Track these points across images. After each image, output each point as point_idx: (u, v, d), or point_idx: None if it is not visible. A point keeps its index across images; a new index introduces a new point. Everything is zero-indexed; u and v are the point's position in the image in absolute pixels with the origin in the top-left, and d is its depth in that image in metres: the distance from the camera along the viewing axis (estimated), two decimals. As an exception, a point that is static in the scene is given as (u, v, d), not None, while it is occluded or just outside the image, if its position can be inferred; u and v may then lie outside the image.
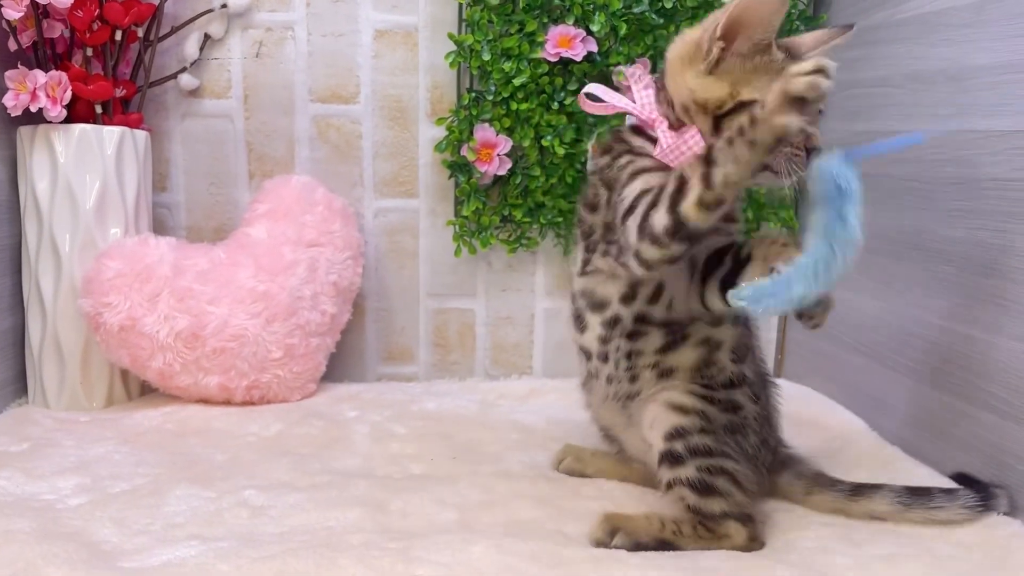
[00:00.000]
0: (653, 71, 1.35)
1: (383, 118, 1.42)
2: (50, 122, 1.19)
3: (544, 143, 1.36)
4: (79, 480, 0.96)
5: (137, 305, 1.18)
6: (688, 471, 0.85)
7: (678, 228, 0.76)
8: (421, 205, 1.45)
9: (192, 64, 1.36)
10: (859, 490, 0.92)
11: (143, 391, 1.32)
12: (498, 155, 1.35)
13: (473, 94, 1.37)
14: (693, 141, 0.84)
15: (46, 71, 1.16)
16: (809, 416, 1.23)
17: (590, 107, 0.94)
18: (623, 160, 0.88)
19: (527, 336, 1.51)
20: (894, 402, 1.16)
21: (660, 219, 0.77)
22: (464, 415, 1.27)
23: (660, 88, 0.90)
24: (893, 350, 1.17)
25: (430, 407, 1.30)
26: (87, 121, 1.22)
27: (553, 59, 1.32)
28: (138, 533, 0.83)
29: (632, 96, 0.90)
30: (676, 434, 0.87)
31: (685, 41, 0.87)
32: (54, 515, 0.86)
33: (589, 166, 0.98)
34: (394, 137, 1.43)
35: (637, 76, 0.91)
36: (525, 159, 1.39)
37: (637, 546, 0.83)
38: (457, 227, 1.43)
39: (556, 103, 1.36)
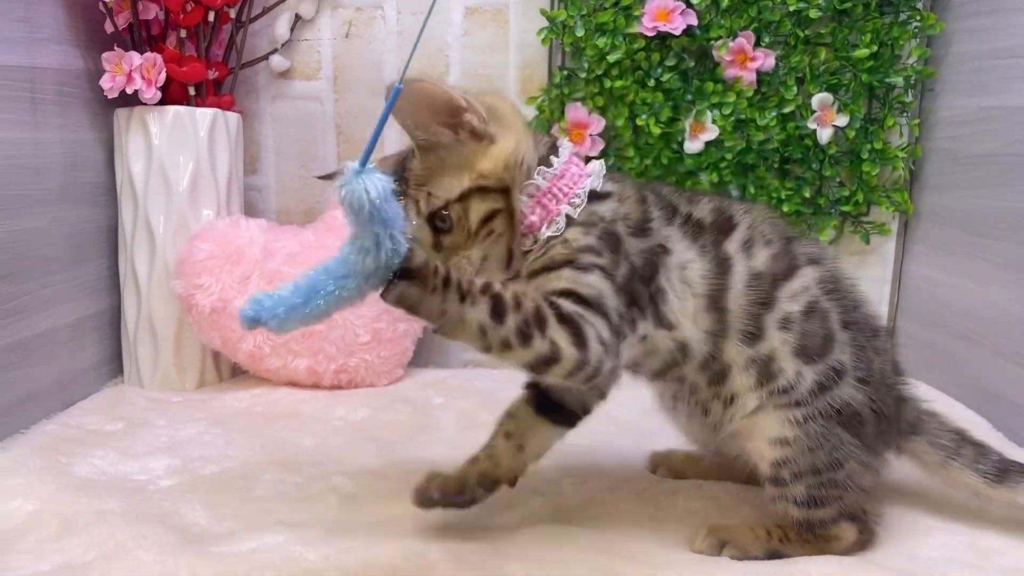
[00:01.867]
0: (757, 44, 1.28)
1: (472, 98, 1.39)
2: (145, 104, 1.20)
3: (639, 122, 1.30)
4: (170, 461, 0.96)
5: (228, 287, 1.18)
6: (796, 490, 0.78)
7: None
8: (510, 187, 1.41)
9: (283, 45, 1.35)
10: (1005, 475, 0.82)
11: (234, 373, 1.33)
12: (590, 135, 1.30)
13: (565, 72, 1.32)
14: None
15: (141, 53, 1.17)
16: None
17: None
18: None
19: (617, 324, 1.45)
20: (1021, 400, 1.06)
21: None
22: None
23: None
24: (1019, 342, 1.07)
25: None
26: (180, 103, 1.22)
27: (650, 34, 1.26)
28: (226, 517, 0.83)
29: None
30: (780, 464, 0.79)
31: None
32: (145, 496, 0.86)
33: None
34: (483, 118, 1.39)
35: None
36: (618, 139, 1.33)
37: (747, 558, 0.78)
38: (546, 210, 1.38)
39: (652, 80, 1.29)
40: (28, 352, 1.07)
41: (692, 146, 1.31)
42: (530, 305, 0.69)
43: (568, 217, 0.77)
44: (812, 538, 0.80)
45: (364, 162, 0.62)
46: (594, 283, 0.74)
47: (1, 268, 1.02)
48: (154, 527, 0.77)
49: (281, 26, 1.34)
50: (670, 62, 1.29)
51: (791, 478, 0.78)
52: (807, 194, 1.33)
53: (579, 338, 0.70)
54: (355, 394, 1.24)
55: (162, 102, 1.21)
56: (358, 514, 0.84)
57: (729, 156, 1.31)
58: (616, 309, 0.74)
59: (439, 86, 0.73)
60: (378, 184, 0.61)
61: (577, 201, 0.78)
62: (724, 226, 0.80)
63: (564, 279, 0.74)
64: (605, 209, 0.78)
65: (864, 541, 0.80)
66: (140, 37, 1.20)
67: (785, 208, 1.33)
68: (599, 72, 1.29)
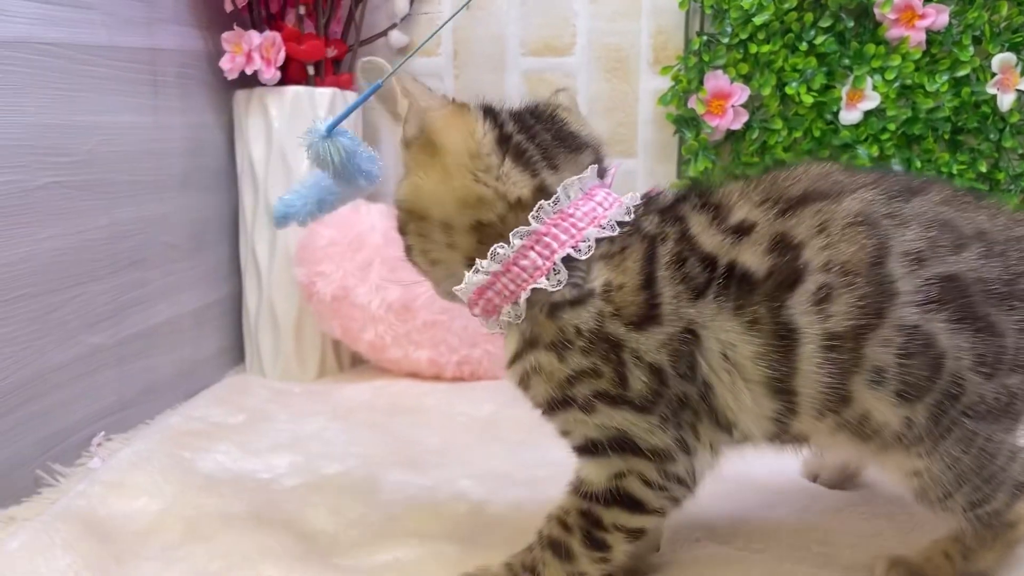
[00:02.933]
0: (927, 0, 1.13)
1: (599, 70, 1.29)
2: (264, 85, 1.16)
3: (788, 91, 1.18)
4: (293, 458, 0.92)
5: (349, 274, 1.14)
6: (952, 505, 0.64)
7: None
8: (639, 166, 1.32)
9: (402, 20, 1.29)
10: None
11: (353, 363, 1.29)
12: (732, 106, 1.19)
13: (704, 38, 1.20)
14: None
15: (260, 32, 1.13)
16: None
17: None
18: None
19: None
20: None
21: None
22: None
23: None
24: None
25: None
26: (299, 83, 1.18)
27: (803, -9, 1.13)
28: (353, 524, 0.77)
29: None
30: (922, 494, 0.64)
31: None
32: (269, 497, 0.82)
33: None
34: (611, 91, 1.30)
35: None
36: (764, 110, 1.21)
37: None
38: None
39: (804, 43, 1.17)
40: (152, 341, 1.05)
41: (849, 116, 1.17)
42: (573, 518, 0.63)
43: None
44: (991, 535, 0.66)
45: (331, 128, 0.64)
46: (606, 421, 0.60)
47: (128, 255, 1.00)
48: (280, 536, 0.72)
49: (400, 0, 1.28)
50: (825, 23, 1.16)
51: (941, 498, 0.63)
52: (983, 168, 1.18)
53: (635, 505, 0.61)
54: (477, 387, 1.18)
55: (281, 82, 1.17)
56: (492, 523, 0.78)
57: (892, 127, 1.17)
58: (650, 431, 0.60)
59: (397, 85, 0.64)
60: (343, 147, 0.65)
61: (516, 309, 0.61)
62: (786, 276, 0.58)
63: (572, 435, 0.64)
64: (583, 317, 0.60)
65: None
66: (259, 16, 1.16)
67: (958, 183, 1.18)
68: (743, 36, 1.17)
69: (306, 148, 0.65)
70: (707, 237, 0.60)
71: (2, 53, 0.80)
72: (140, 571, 0.68)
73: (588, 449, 0.63)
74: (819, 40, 1.16)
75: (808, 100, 1.17)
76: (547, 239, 0.60)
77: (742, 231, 0.60)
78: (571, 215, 0.61)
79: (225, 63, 1.13)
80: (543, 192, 0.61)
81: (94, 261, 0.94)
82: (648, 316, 0.59)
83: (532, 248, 0.60)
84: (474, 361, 1.18)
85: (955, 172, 1.18)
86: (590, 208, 0.62)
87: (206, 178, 1.18)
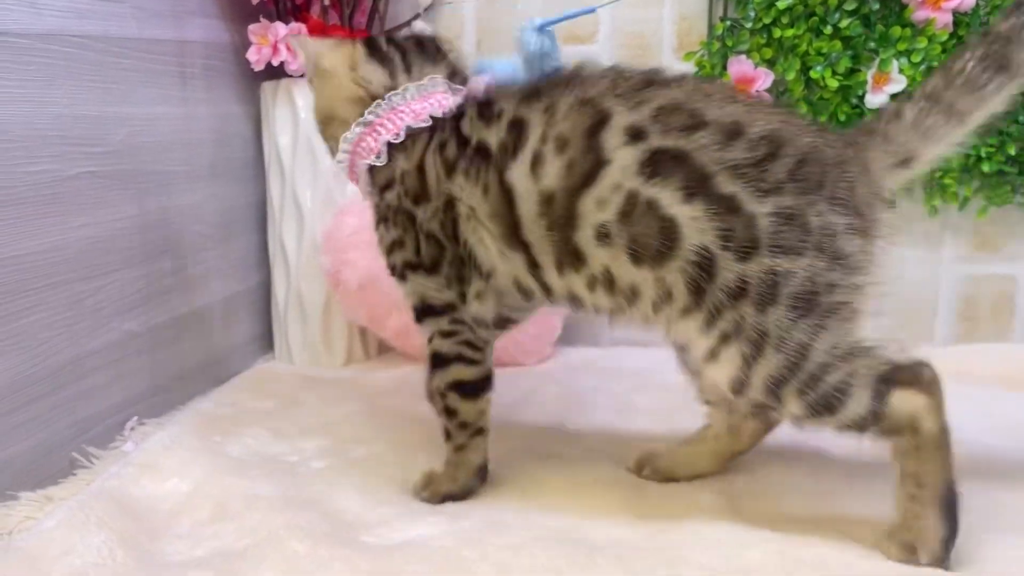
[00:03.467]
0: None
1: (624, 57, 1.29)
2: (291, 76, 1.17)
3: (813, 75, 1.17)
4: (321, 442, 0.93)
5: (375, 262, 1.15)
6: (793, 408, 0.66)
7: None
8: (664, 153, 1.31)
9: (426, 10, 1.30)
10: None
11: (380, 350, 1.30)
12: (756, 91, 1.18)
13: (728, 23, 1.20)
14: None
15: (286, 23, 1.14)
16: None
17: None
18: None
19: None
20: None
21: None
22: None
23: None
24: None
25: (674, 379, 1.17)
26: (325, 74, 1.19)
27: (827, -26, 1.12)
28: (379, 504, 0.79)
29: None
30: (738, 385, 0.67)
31: None
32: (296, 479, 0.83)
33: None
34: (635, 78, 1.29)
35: None
36: (788, 95, 1.20)
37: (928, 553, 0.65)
38: (705, 176, 1.27)
39: (829, 27, 1.16)
40: (183, 328, 1.08)
41: (875, 100, 1.16)
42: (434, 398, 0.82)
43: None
44: (896, 441, 0.65)
45: (544, 25, 0.88)
46: (415, 288, 0.79)
47: (159, 245, 1.02)
48: (307, 513, 0.73)
49: (424, -10, 1.29)
50: (850, 6, 1.15)
51: (768, 396, 0.65)
52: (1012, 151, 1.16)
53: (442, 360, 0.79)
54: (503, 375, 1.17)
55: (307, 74, 1.19)
56: (515, 503, 0.78)
57: (918, 110, 1.16)
58: (438, 290, 0.77)
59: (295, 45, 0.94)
60: (544, 44, 0.88)
61: (377, 157, 0.78)
62: (510, 148, 0.71)
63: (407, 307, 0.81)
64: (391, 196, 0.79)
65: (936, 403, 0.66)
66: (285, 7, 1.18)
67: (985, 168, 1.17)
68: (767, 21, 1.17)
69: (519, 31, 0.85)
70: (467, 124, 0.75)
71: (35, 46, 0.82)
72: (171, 547, 0.70)
73: (415, 318, 0.80)
74: (844, 23, 1.15)
75: (833, 84, 1.16)
76: (378, 128, 0.78)
77: (492, 117, 0.73)
78: (400, 110, 0.77)
79: (252, 54, 1.14)
80: (395, 92, 0.78)
81: (126, 249, 0.97)
82: (422, 193, 0.76)
83: (368, 135, 0.78)
84: (499, 348, 1.18)
85: (983, 155, 1.16)
86: (421, 107, 0.77)
87: (234, 168, 1.20)
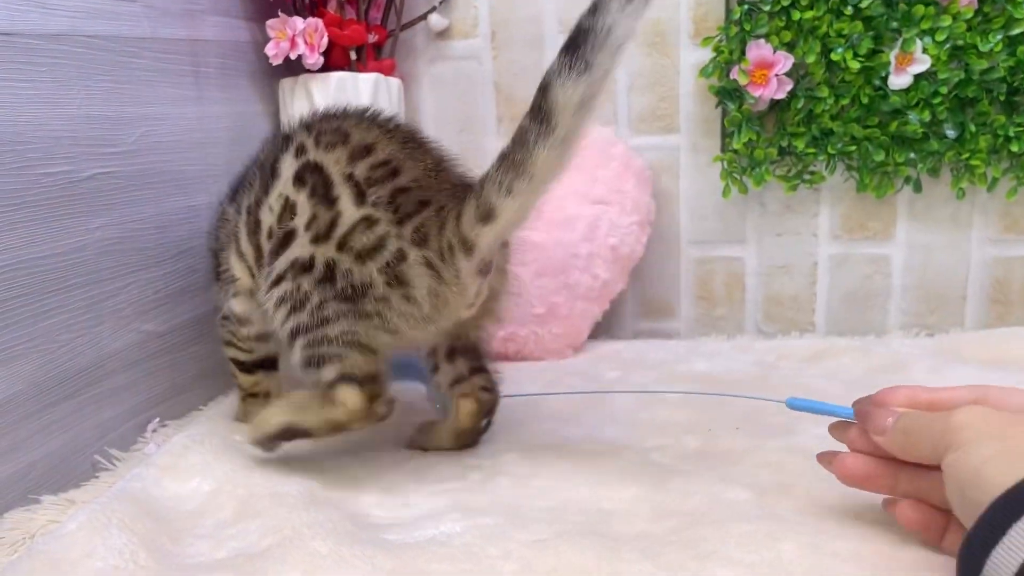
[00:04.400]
0: None
1: (639, 44, 1.27)
2: (308, 71, 1.17)
3: (833, 57, 1.15)
4: (345, 439, 0.92)
5: None
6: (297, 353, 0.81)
7: None
8: (682, 141, 1.29)
9: (441, 3, 1.29)
10: None
11: (401, 345, 1.30)
12: (776, 75, 1.16)
13: (746, 6, 1.18)
14: None
15: (303, 19, 1.14)
16: None
17: None
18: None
19: (808, 288, 1.31)
20: None
21: None
22: (740, 378, 1.11)
23: None
24: None
25: (699, 368, 1.16)
26: (342, 69, 1.19)
27: (847, -47, 1.10)
28: (403, 504, 0.78)
29: None
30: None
31: None
32: (320, 477, 0.83)
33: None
34: (652, 65, 1.28)
35: None
36: (809, 78, 1.18)
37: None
38: (725, 163, 1.25)
39: (849, 7, 1.13)
40: (203, 328, 1.07)
41: (898, 81, 1.14)
42: None
43: None
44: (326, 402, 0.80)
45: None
46: None
47: (176, 245, 1.02)
48: (330, 513, 0.73)
49: (438, -18, 1.28)
50: (872, -16, 1.12)
51: (288, 340, 0.81)
52: (1042, 130, 1.13)
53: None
54: (523, 367, 1.18)
55: (325, 69, 1.18)
56: (537, 498, 0.77)
57: (944, 90, 1.13)
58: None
59: None
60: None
61: None
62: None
63: None
64: None
65: (379, 412, 0.81)
66: (302, 2, 1.17)
67: (1014, 147, 1.14)
68: (786, 3, 1.14)
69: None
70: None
71: (47, 47, 0.82)
72: (194, 548, 0.69)
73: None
74: (865, 3, 1.12)
75: (855, 66, 1.14)
76: None
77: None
78: None
79: (270, 49, 1.14)
80: None
81: (145, 250, 0.96)
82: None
83: None
84: (520, 340, 1.18)
85: (1012, 135, 1.14)
86: None
87: (251, 167, 1.20)
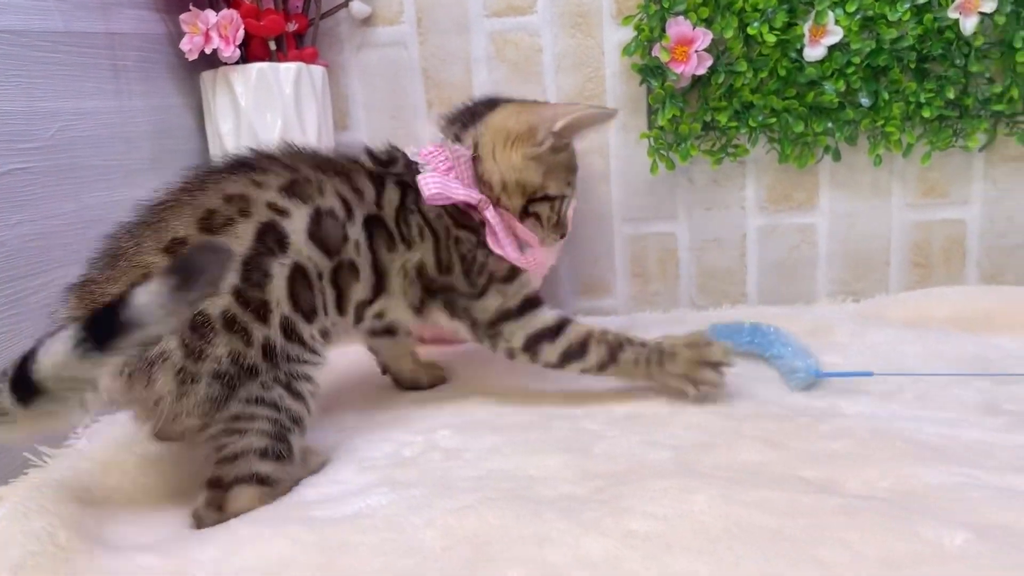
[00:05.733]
0: None
1: (564, 26, 1.29)
2: (227, 64, 1.16)
3: (750, 31, 1.17)
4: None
5: None
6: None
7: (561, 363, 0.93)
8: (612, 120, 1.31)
9: (363, -10, 1.29)
10: None
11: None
12: (696, 51, 1.18)
13: (664, -16, 1.20)
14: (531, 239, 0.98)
15: (217, 11, 1.13)
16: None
17: (437, 201, 0.92)
18: (478, 255, 0.94)
19: (738, 260, 1.34)
20: None
21: (551, 355, 0.93)
22: (672, 348, 1.14)
23: (473, 161, 0.95)
24: None
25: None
26: (263, 60, 1.18)
27: (757, -71, 1.12)
28: (330, 482, 0.79)
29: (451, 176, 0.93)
30: None
31: (518, 120, 0.94)
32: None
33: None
34: (576, 46, 1.29)
35: (436, 160, 0.93)
36: (728, 53, 1.20)
37: None
38: (652, 140, 1.27)
39: (763, -18, 1.16)
40: (134, 323, 1.07)
41: (813, 53, 1.17)
42: None
43: None
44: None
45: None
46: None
47: (101, 240, 1.01)
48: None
49: (359, -30, 1.28)
50: (782, -41, 1.15)
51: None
52: (951, 95, 1.17)
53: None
54: (464, 347, 1.19)
55: (246, 60, 1.18)
56: (466, 469, 0.79)
57: (857, 60, 1.17)
58: None
59: None
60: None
61: None
62: None
63: None
64: None
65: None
66: (216, -6, 1.17)
67: (925, 113, 1.18)
68: (702, -20, 1.17)
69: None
70: None
71: (-49, 41, 0.81)
72: (119, 531, 0.70)
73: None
74: (777, -23, 1.15)
75: (771, 40, 1.17)
76: None
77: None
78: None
79: (185, 44, 1.13)
80: None
81: (67, 245, 0.96)
82: None
83: None
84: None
85: (924, 100, 1.17)
86: None
87: (178, 160, 1.19)
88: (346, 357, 1.16)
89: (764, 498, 0.67)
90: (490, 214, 0.93)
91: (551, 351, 0.92)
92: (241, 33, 1.13)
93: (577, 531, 0.64)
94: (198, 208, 0.79)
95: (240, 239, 0.78)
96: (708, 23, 1.19)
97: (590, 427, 0.88)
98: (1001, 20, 1.13)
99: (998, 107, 1.17)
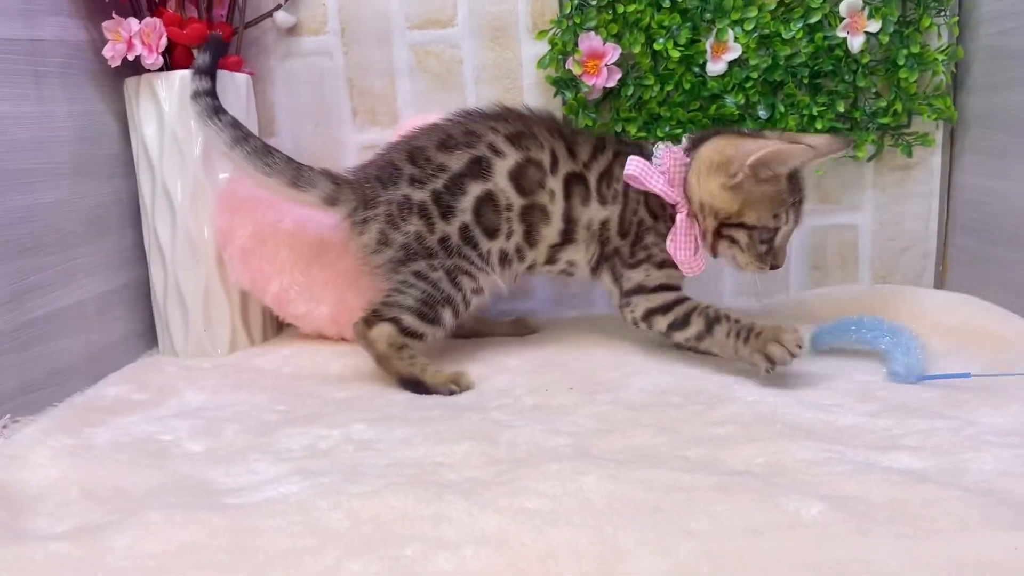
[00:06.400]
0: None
1: (483, 39, 1.34)
2: (151, 71, 1.19)
3: (656, 47, 1.24)
4: (194, 423, 0.95)
5: (262, 228, 1.21)
6: None
7: (667, 332, 1.07)
8: (529, 129, 1.37)
9: (287, 0, 1.33)
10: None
11: (265, 337, 1.33)
12: (606, 65, 1.25)
13: (576, 1, 1.26)
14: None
15: (140, 19, 1.16)
16: (977, 327, 1.08)
17: (631, 181, 1.05)
18: (647, 237, 1.09)
19: (651, 262, 1.40)
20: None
21: (661, 324, 1.07)
22: (582, 346, 1.19)
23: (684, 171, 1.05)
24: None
25: (547, 340, 1.24)
26: (187, 67, 1.21)
27: (660, -49, 1.19)
28: (245, 472, 0.82)
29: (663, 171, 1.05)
30: None
31: (721, 152, 1.01)
32: (167, 459, 0.86)
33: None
34: (495, 58, 1.35)
35: (664, 156, 1.05)
36: (637, 67, 1.27)
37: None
38: (568, 149, 1.33)
39: (668, 1, 1.23)
40: (55, 326, 1.08)
41: (715, 68, 1.24)
42: None
43: None
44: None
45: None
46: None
47: (21, 242, 1.03)
48: (172, 488, 0.76)
49: (284, -19, 1.31)
50: (685, -20, 1.22)
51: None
52: (841, 108, 1.26)
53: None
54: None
55: (169, 68, 1.20)
56: (376, 458, 0.83)
57: (755, 75, 1.25)
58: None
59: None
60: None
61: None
62: None
63: None
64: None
65: None
66: (139, 3, 1.19)
67: (819, 125, 1.26)
68: (611, -2, 1.23)
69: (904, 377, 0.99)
70: None
71: None
72: (33, 524, 0.72)
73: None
74: (681, -3, 1.23)
75: (676, 55, 1.24)
76: None
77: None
78: None
79: (107, 51, 1.15)
80: None
81: (-14, 248, 0.97)
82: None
83: None
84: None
85: (816, 113, 1.26)
86: None
87: (102, 165, 1.21)
88: (287, 362, 1.20)
89: (648, 477, 0.73)
90: (680, 218, 1.04)
91: (662, 321, 1.06)
92: (164, 41, 1.16)
93: (475, 510, 0.69)
94: (445, 133, 1.11)
95: (458, 160, 1.08)
96: (617, 38, 1.25)
97: (499, 418, 0.93)
98: (885, 39, 1.22)
99: (884, 120, 1.26)
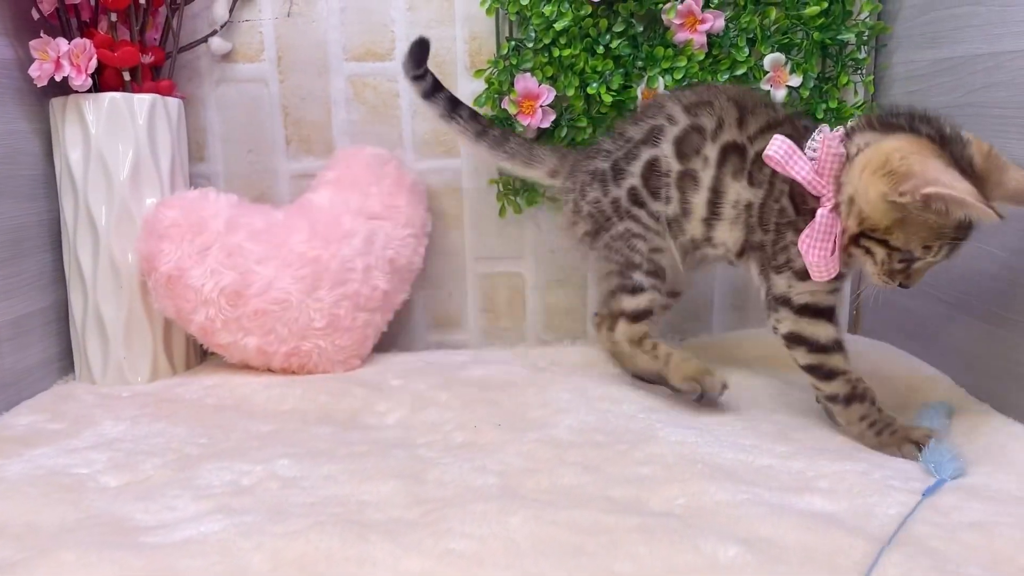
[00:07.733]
0: (706, 6, 1.25)
1: (421, 74, 1.35)
2: (79, 92, 1.16)
3: (590, 91, 1.28)
4: (111, 455, 0.93)
5: (187, 256, 1.17)
6: None
7: (803, 368, 1.02)
8: (463, 165, 1.39)
9: (222, 27, 1.32)
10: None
11: (188, 365, 1.30)
12: (541, 106, 1.27)
13: (513, 43, 1.29)
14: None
15: (70, 39, 1.13)
16: (888, 373, 1.13)
17: (770, 163, 0.95)
18: (788, 235, 0.99)
19: (579, 299, 1.43)
20: (982, 354, 1.05)
21: (801, 358, 1.01)
22: (512, 382, 1.21)
23: (843, 158, 0.92)
24: (982, 298, 1.06)
25: (477, 374, 1.24)
26: (117, 90, 1.19)
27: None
28: (164, 509, 0.80)
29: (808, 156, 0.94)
30: None
31: (903, 159, 0.86)
32: (82, 494, 0.83)
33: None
34: (433, 94, 1.36)
35: (823, 140, 0.93)
36: (570, 109, 1.30)
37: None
38: (500, 186, 1.36)
39: (601, 47, 1.27)
40: (-32, 350, 1.04)
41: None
42: None
43: None
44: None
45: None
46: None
47: (-69, 265, 0.99)
48: (86, 524, 0.74)
49: (220, 7, 1.30)
50: (619, 28, 1.26)
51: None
52: (764, 157, 1.31)
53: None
54: (312, 380, 1.21)
55: (98, 90, 1.18)
56: (300, 496, 0.82)
57: (683, 122, 1.29)
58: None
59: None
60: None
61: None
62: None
63: None
64: None
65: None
66: (68, 23, 1.16)
67: (743, 172, 1.31)
68: (547, 41, 1.26)
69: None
70: None
71: None
72: (-64, 564, 0.69)
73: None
74: (614, 44, 1.26)
75: (608, 99, 1.27)
76: None
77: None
78: None
79: (33, 70, 1.12)
80: None
81: None
82: None
83: None
84: (303, 354, 1.22)
85: (741, 161, 1.31)
86: None
87: (22, 186, 1.17)
88: (210, 392, 1.17)
89: (573, 518, 0.74)
90: (822, 212, 0.92)
91: (803, 357, 1.00)
92: (94, 62, 1.13)
93: (399, 552, 0.69)
94: (642, 107, 1.23)
95: (640, 130, 1.12)
96: (553, 81, 1.28)
97: (427, 455, 0.93)
98: (805, 93, 1.28)
99: (804, 170, 1.32)
